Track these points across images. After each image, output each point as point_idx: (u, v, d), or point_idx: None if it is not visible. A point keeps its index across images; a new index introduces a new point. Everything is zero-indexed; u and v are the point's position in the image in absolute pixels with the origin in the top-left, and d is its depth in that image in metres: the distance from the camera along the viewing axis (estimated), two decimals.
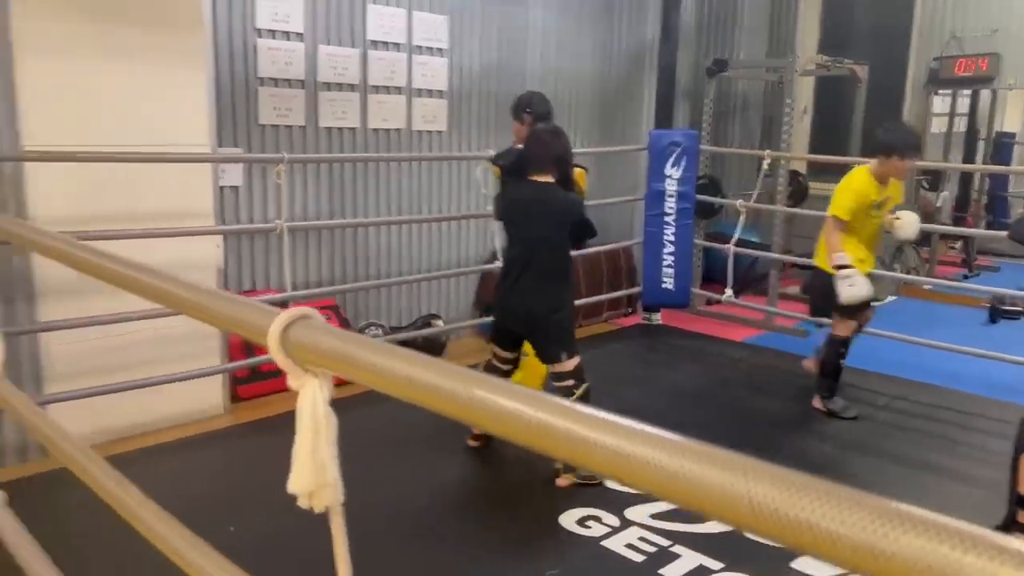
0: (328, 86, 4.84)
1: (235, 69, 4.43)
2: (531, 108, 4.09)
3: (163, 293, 0.98)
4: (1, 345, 1.59)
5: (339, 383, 0.81)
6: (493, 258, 5.12)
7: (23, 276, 3.51)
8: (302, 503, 0.80)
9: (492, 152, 4.63)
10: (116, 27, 3.62)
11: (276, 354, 0.78)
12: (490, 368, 3.60)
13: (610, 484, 3.47)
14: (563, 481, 3.41)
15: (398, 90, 5.19)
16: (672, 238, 5.70)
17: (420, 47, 5.26)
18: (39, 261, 3.54)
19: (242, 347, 4.44)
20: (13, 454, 3.52)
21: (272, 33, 4.56)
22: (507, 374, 3.61)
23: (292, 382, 0.80)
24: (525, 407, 0.64)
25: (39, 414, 1.40)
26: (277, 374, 4.48)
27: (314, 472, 0.77)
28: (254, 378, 4.47)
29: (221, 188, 4.32)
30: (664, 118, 5.93)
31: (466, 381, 0.68)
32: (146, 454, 3.66)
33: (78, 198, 3.58)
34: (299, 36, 4.67)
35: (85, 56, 3.55)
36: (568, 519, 3.18)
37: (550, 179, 3.41)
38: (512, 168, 3.68)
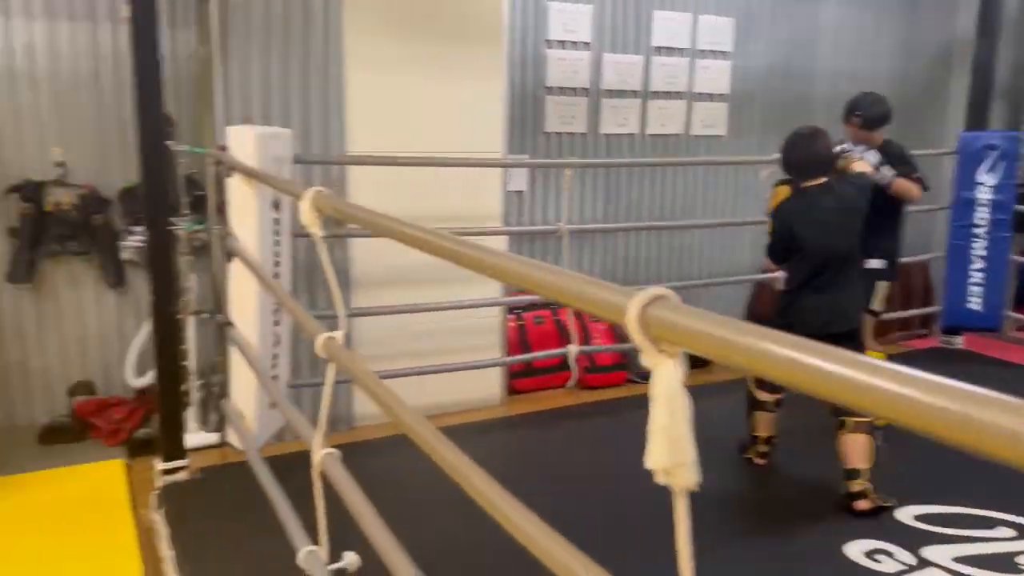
0: (610, 93, 4.93)
1: (526, 79, 4.67)
2: (859, 111, 3.81)
3: (526, 278, 1.04)
4: (345, 324, 1.80)
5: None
6: (766, 269, 4.89)
7: (343, 266, 3.96)
8: (658, 480, 0.80)
9: (774, 156, 4.40)
10: (427, 43, 3.98)
11: (635, 333, 0.79)
12: (758, 386, 3.47)
13: (902, 518, 3.16)
14: (864, 504, 3.15)
15: (679, 95, 5.15)
16: (983, 253, 5.07)
17: (703, 51, 5.17)
18: (355, 253, 3.98)
19: (518, 343, 4.66)
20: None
21: (562, 43, 4.74)
22: (779, 403, 3.45)
23: (647, 361, 0.80)
24: (896, 385, 0.59)
25: (382, 385, 1.56)
26: (549, 370, 4.67)
27: (671, 450, 0.78)
28: (528, 373, 4.67)
29: (508, 192, 4.57)
30: (978, 119, 5.29)
31: (819, 355, 0.66)
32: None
33: (387, 199, 3.95)
34: (586, 45, 4.81)
35: (399, 70, 3.93)
36: (854, 549, 2.94)
37: (823, 180, 3.19)
38: (789, 182, 3.41)
